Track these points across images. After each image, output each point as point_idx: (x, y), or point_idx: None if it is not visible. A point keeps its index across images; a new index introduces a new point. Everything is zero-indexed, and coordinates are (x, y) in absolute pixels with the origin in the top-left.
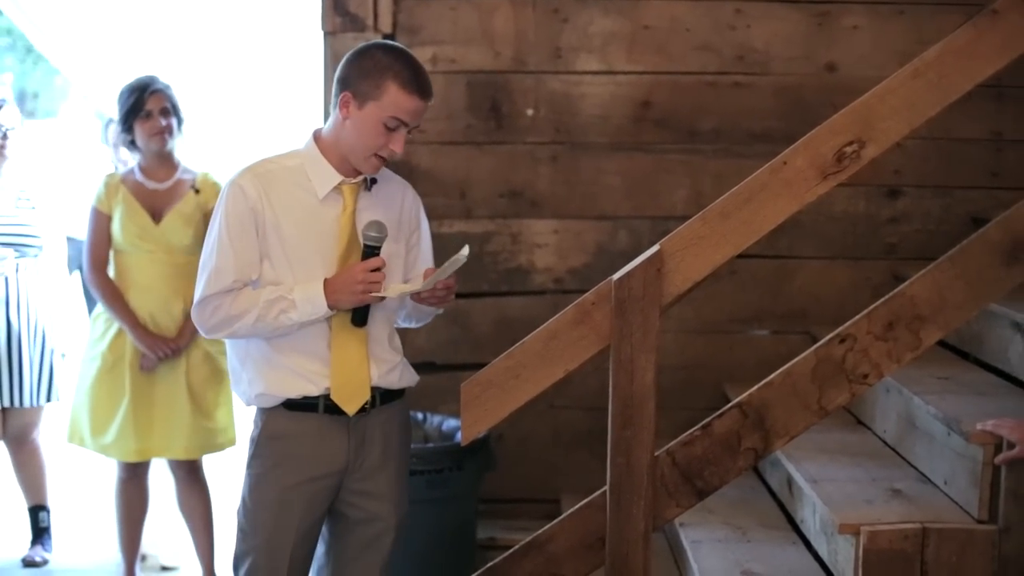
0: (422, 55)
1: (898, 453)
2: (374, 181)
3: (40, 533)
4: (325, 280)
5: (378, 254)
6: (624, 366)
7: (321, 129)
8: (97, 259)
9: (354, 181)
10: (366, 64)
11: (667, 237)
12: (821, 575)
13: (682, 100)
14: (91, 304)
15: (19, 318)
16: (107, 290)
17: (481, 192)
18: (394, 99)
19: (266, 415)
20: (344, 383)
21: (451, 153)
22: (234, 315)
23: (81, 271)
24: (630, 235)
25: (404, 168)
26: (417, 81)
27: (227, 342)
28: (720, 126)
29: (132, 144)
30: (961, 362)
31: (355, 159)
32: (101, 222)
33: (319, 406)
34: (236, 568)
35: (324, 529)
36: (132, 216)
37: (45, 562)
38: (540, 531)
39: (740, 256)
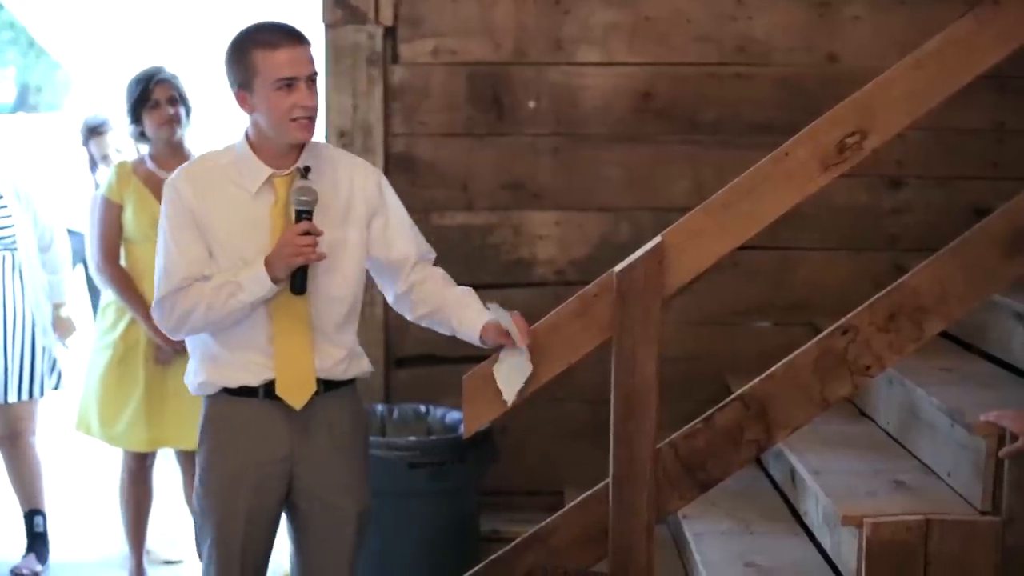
0: (423, 47)
1: (901, 445)
2: (308, 169)
3: (35, 539)
4: (266, 257)
5: (310, 218)
6: (626, 358)
7: None
8: (109, 250)
9: (285, 173)
10: (232, 55)
11: (669, 229)
12: (824, 567)
13: (683, 91)
14: (94, 297)
15: None
16: (121, 281)
17: (482, 184)
18: (266, 62)
19: (209, 401)
20: (287, 376)
21: (452, 145)
22: (188, 309)
23: (84, 265)
24: (632, 227)
25: (405, 160)
26: (275, 34)
27: None
28: (721, 117)
29: (142, 135)
30: (964, 353)
31: (282, 136)
32: (112, 212)
33: (259, 392)
34: (199, 551)
35: (290, 526)
36: (145, 206)
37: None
38: (543, 523)
39: (742, 247)
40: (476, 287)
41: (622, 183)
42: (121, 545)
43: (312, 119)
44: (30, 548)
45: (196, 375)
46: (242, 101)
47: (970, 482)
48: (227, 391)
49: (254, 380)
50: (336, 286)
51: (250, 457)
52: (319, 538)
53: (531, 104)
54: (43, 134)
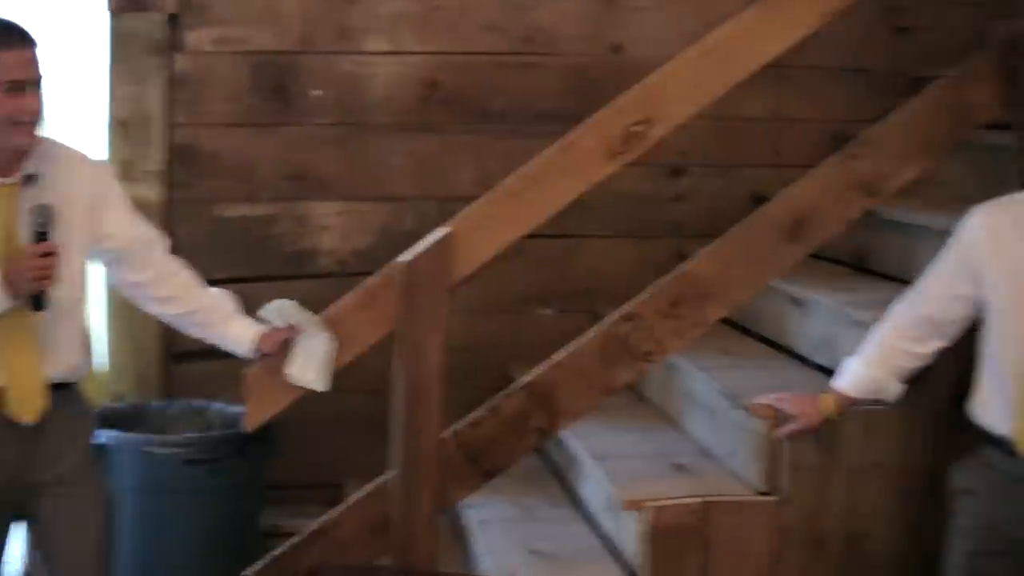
0: (208, 36)
1: (682, 428)
2: (34, 177)
3: None
4: (5, 271)
5: (47, 238)
6: (412, 349)
7: None
8: None
9: (9, 182)
10: None
11: (456, 217)
12: (604, 553)
13: (471, 81)
14: None
15: None
16: None
17: (265, 175)
18: None
19: None
20: (17, 393)
21: (235, 135)
22: None
23: None
24: (416, 216)
25: (188, 151)
26: (5, 34)
27: None
28: (509, 107)
29: None
30: (743, 338)
31: (1, 140)
32: None
33: None
34: None
35: (35, 531)
36: None
37: None
38: (325, 517)
39: (528, 236)
40: (259, 279)
41: (407, 173)
42: None
43: (35, 123)
44: None
45: None
46: None
47: (748, 464)
48: None
49: None
50: (63, 288)
51: None
52: (71, 533)
53: (316, 93)
54: None
